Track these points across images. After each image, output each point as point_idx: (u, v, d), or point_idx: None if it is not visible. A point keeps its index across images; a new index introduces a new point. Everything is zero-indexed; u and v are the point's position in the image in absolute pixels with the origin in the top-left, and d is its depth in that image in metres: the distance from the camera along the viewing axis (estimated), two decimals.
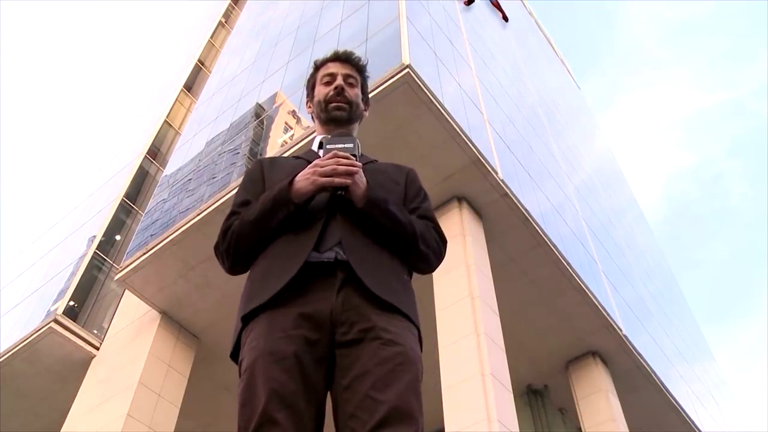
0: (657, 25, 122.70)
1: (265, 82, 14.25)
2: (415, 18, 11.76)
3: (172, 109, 19.86)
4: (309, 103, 1.97)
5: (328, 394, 1.46)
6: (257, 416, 1.34)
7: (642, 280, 18.79)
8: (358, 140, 1.72)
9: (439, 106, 9.87)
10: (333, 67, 1.92)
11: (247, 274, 1.68)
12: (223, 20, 24.98)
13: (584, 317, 12.28)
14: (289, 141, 11.09)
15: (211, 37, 23.66)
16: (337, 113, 1.84)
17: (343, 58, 1.94)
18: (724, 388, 23.91)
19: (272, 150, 11.38)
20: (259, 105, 13.51)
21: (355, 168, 1.56)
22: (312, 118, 1.97)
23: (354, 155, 1.61)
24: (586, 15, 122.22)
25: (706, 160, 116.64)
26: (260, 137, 12.44)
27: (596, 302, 12.18)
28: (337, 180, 1.55)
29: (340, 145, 1.64)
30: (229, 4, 25.81)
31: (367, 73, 1.98)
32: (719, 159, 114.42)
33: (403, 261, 1.66)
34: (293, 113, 12.12)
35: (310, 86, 1.96)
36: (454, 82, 11.77)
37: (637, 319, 14.86)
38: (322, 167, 1.57)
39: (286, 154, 10.23)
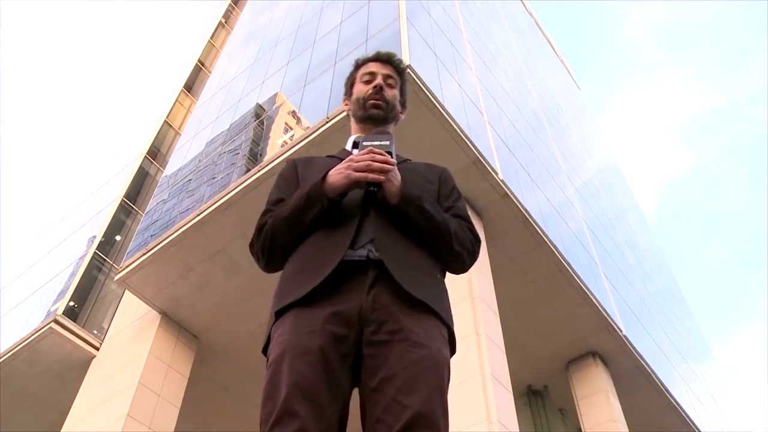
0: (653, 28, 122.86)
1: (265, 83, 14.25)
2: (415, 18, 11.76)
3: (172, 109, 19.86)
4: (346, 101, 1.98)
5: (354, 391, 1.47)
6: (278, 408, 1.34)
7: (642, 281, 18.79)
8: (394, 138, 1.73)
9: (439, 107, 9.87)
10: (373, 67, 1.93)
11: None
12: (223, 20, 24.98)
13: (584, 318, 12.28)
14: (289, 141, 11.08)
15: (211, 37, 23.65)
16: (375, 111, 1.85)
17: (384, 58, 1.95)
18: (724, 388, 23.91)
19: (272, 151, 11.38)
20: (259, 105, 13.51)
21: (389, 165, 1.56)
22: (348, 116, 1.97)
23: (389, 153, 1.61)
24: (581, 18, 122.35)
25: (703, 163, 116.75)
26: (260, 138, 12.44)
27: (596, 303, 12.18)
28: (371, 176, 1.54)
29: (376, 142, 1.64)
30: (229, 5, 25.80)
31: (406, 77, 1.99)
32: (717, 162, 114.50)
33: (437, 260, 1.65)
34: (293, 114, 12.12)
35: (349, 84, 1.97)
36: (455, 82, 11.77)
37: (637, 320, 14.86)
38: (357, 162, 1.56)
39: (288, 153, 10.24)
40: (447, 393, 1.43)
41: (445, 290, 1.63)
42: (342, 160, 1.72)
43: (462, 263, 1.70)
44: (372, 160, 1.55)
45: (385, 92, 1.87)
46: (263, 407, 1.39)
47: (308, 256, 1.58)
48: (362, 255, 1.53)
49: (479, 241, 1.75)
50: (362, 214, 1.60)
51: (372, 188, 1.57)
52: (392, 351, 1.42)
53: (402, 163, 1.79)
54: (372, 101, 1.85)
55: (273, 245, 1.65)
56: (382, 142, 1.64)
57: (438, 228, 1.61)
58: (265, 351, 1.57)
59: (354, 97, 1.91)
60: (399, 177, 1.59)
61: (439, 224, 1.61)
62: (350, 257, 1.53)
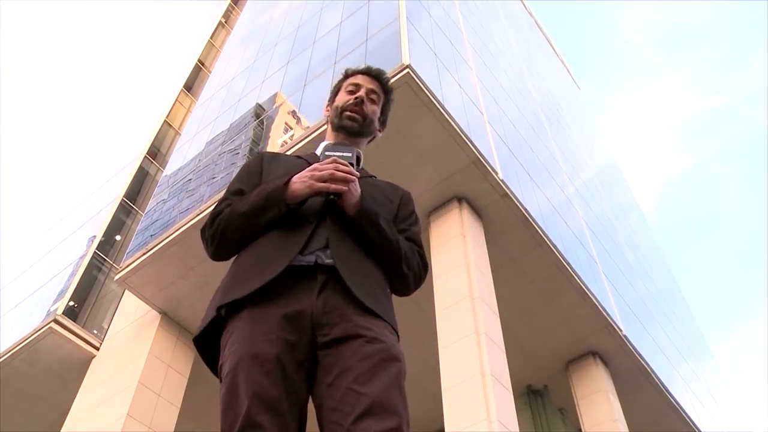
0: (651, 29, 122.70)
1: (265, 83, 14.25)
2: (415, 18, 11.76)
3: (172, 109, 19.87)
4: (328, 107, 1.99)
5: (310, 397, 1.46)
6: (241, 419, 1.33)
7: (642, 281, 18.79)
8: (360, 152, 1.76)
9: (439, 107, 9.87)
10: (360, 80, 1.94)
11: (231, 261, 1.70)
12: (223, 20, 24.98)
13: (584, 317, 12.28)
14: (289, 141, 11.09)
15: (211, 37, 23.65)
16: (349, 123, 1.86)
17: (373, 74, 1.96)
18: (724, 388, 23.92)
19: (272, 150, 11.38)
20: (259, 105, 13.51)
21: (351, 176, 1.58)
22: (327, 122, 1.99)
23: (352, 164, 1.64)
24: (579, 19, 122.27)
25: (702, 164, 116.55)
26: (260, 137, 12.44)
27: (596, 302, 12.18)
28: (333, 186, 1.56)
29: (339, 153, 1.67)
30: (229, 4, 25.81)
31: (391, 96, 2.00)
32: (716, 162, 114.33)
33: (386, 277, 1.67)
34: (293, 113, 12.12)
35: (335, 91, 1.99)
36: (455, 82, 11.77)
37: (637, 320, 14.86)
38: (320, 172, 1.58)
39: (289, 153, 10.24)
40: (404, 386, 1.42)
41: (392, 304, 1.65)
42: (309, 162, 1.75)
43: (407, 285, 1.72)
44: (335, 170, 1.57)
45: (365, 106, 1.88)
46: (223, 418, 1.38)
47: (257, 256, 1.58)
48: (310, 260, 1.54)
49: (427, 268, 1.77)
50: (318, 220, 1.61)
51: (332, 197, 1.60)
52: (347, 348, 1.42)
53: (367, 178, 1.82)
54: (349, 112, 1.86)
55: (224, 237, 1.66)
56: (344, 153, 1.67)
57: (390, 246, 1.64)
58: (198, 341, 1.58)
59: (335, 104, 1.93)
60: (359, 190, 1.61)
61: (391, 242, 1.64)
62: (298, 262, 1.54)
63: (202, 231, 1.71)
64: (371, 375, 1.37)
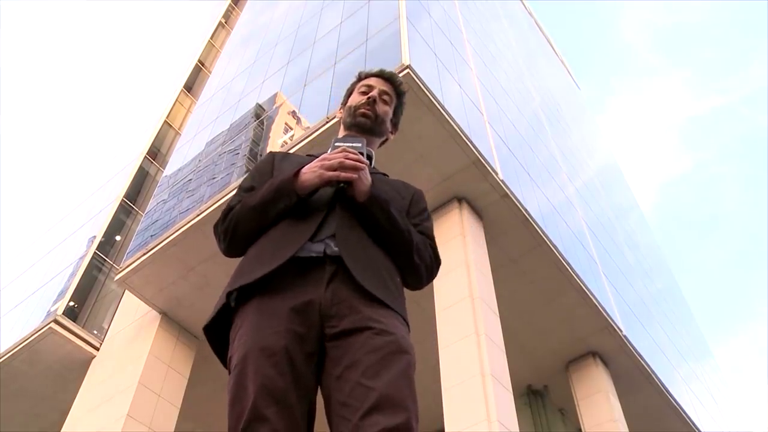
0: (651, 30, 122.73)
1: (265, 83, 14.26)
2: (415, 18, 11.76)
3: (172, 109, 19.87)
4: (341, 109, 2.02)
5: (319, 389, 1.46)
6: (247, 412, 1.33)
7: (642, 281, 18.79)
8: (371, 151, 1.77)
9: (439, 107, 9.87)
10: (373, 81, 1.97)
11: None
12: (223, 20, 24.98)
13: (584, 318, 12.29)
14: (289, 141, 11.09)
15: (211, 37, 23.66)
16: (362, 119, 1.88)
17: (386, 76, 2.00)
18: (724, 388, 23.92)
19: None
20: (259, 105, 13.51)
21: (361, 164, 1.59)
22: (340, 123, 2.01)
23: (361, 153, 1.64)
24: (579, 19, 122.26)
25: (701, 164, 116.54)
26: (260, 138, 12.44)
27: (596, 303, 12.18)
28: (343, 174, 1.57)
29: (348, 144, 1.68)
30: (229, 5, 25.81)
31: (404, 99, 2.03)
32: (713, 164, 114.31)
33: (397, 267, 1.65)
34: (293, 114, 12.12)
35: (348, 94, 2.02)
36: (455, 82, 11.77)
37: (637, 320, 14.86)
38: (329, 161, 1.59)
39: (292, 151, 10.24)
40: (413, 378, 1.41)
41: (404, 293, 1.63)
42: None
43: (419, 277, 1.71)
44: (345, 158, 1.58)
45: (377, 105, 1.91)
46: (231, 411, 1.38)
47: (267, 245, 1.59)
48: (319, 250, 1.54)
49: (439, 262, 1.77)
50: (329, 210, 1.62)
51: (342, 185, 1.59)
52: (356, 340, 1.41)
53: (378, 174, 1.83)
54: (362, 110, 1.89)
55: (236, 231, 1.67)
56: (354, 144, 1.68)
57: (401, 234, 1.63)
58: (207, 330, 1.59)
59: (348, 105, 1.95)
60: (369, 178, 1.62)
61: (402, 231, 1.63)
62: (307, 251, 1.54)
63: (215, 227, 1.74)
64: (380, 368, 1.36)
